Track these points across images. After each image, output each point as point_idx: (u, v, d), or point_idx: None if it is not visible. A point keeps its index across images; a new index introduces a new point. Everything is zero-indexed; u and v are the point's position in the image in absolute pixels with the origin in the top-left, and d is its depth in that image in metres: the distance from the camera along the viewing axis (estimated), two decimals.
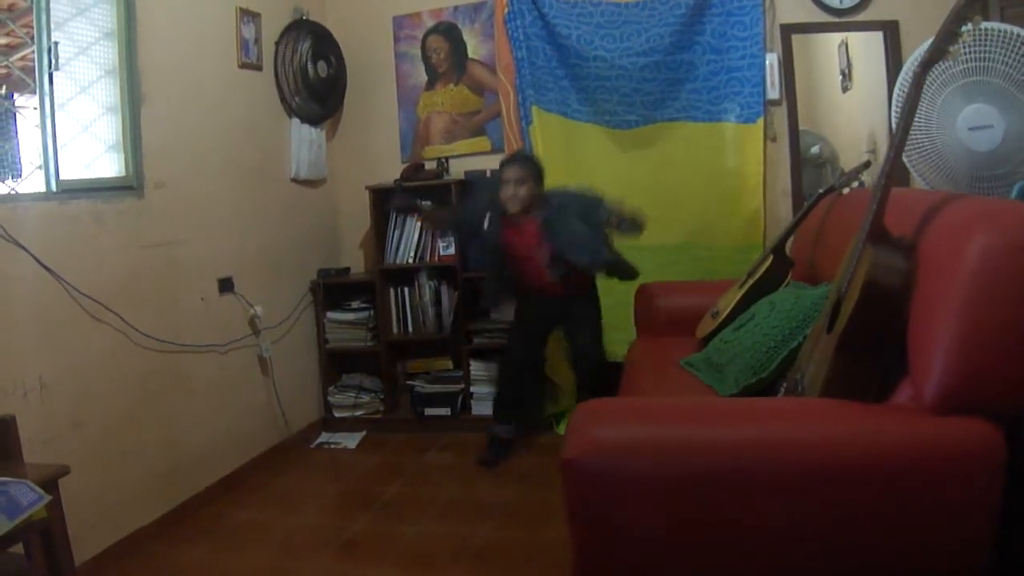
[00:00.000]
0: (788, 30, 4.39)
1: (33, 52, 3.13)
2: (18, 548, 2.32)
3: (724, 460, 1.85)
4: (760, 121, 4.40)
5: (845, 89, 4.47)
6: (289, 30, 4.66)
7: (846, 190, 3.19)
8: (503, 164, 4.07)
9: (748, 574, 1.91)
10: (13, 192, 3.05)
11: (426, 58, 5.06)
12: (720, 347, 3.04)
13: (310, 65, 4.69)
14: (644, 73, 4.49)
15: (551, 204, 3.96)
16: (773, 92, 4.42)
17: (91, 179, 3.37)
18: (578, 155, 4.66)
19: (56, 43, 3.16)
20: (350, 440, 4.72)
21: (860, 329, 1.95)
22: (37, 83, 3.13)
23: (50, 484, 2.24)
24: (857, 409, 1.93)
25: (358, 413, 4.89)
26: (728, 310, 3.28)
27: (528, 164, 4.01)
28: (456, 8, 4.96)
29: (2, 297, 2.89)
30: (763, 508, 1.83)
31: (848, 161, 4.30)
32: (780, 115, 4.46)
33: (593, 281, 4.19)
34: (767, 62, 4.38)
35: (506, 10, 4.65)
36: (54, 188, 3.16)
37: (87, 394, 3.22)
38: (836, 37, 4.41)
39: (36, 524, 2.21)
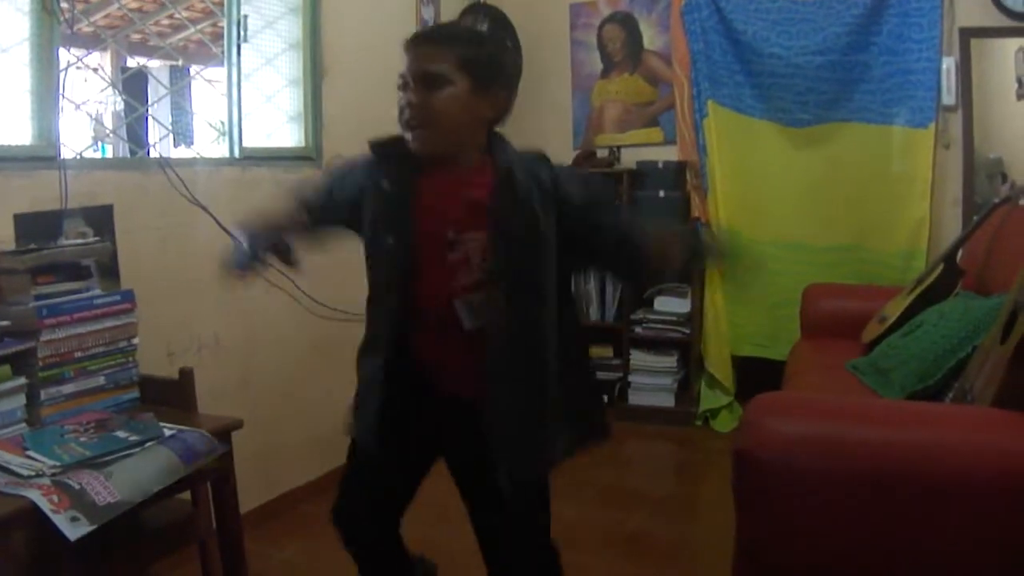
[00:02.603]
0: (967, 34, 4.15)
1: (221, 25, 3.27)
2: (186, 495, 2.42)
3: (894, 461, 1.79)
4: (931, 127, 4.20)
5: (1020, 97, 4.18)
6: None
7: (1023, 201, 3.08)
8: (404, 43, 1.87)
9: None
10: (198, 156, 3.20)
11: (602, 47, 5.03)
12: (887, 352, 3.02)
13: None
14: (819, 72, 4.37)
15: (519, 156, 1.90)
16: (949, 98, 4.20)
17: (272, 148, 3.51)
18: (751, 151, 4.57)
19: (246, 16, 3.29)
20: None
21: None
22: (225, 54, 3.27)
23: (223, 436, 2.32)
24: None
25: None
26: (896, 316, 3.23)
27: (459, 45, 1.85)
28: None
29: (183, 256, 3.04)
30: (931, 512, 1.76)
31: (1021, 172, 4.11)
32: (955, 122, 4.24)
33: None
34: (944, 66, 4.17)
35: (683, 2, 4.58)
36: (237, 155, 3.30)
37: (257, 354, 3.35)
38: (1012, 42, 4.14)
39: (208, 473, 2.30)
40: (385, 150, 1.93)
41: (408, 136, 1.84)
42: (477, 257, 1.83)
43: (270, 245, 1.92)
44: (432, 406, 1.95)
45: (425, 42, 1.86)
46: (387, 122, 4.01)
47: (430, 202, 1.87)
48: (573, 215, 1.84)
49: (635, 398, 4.71)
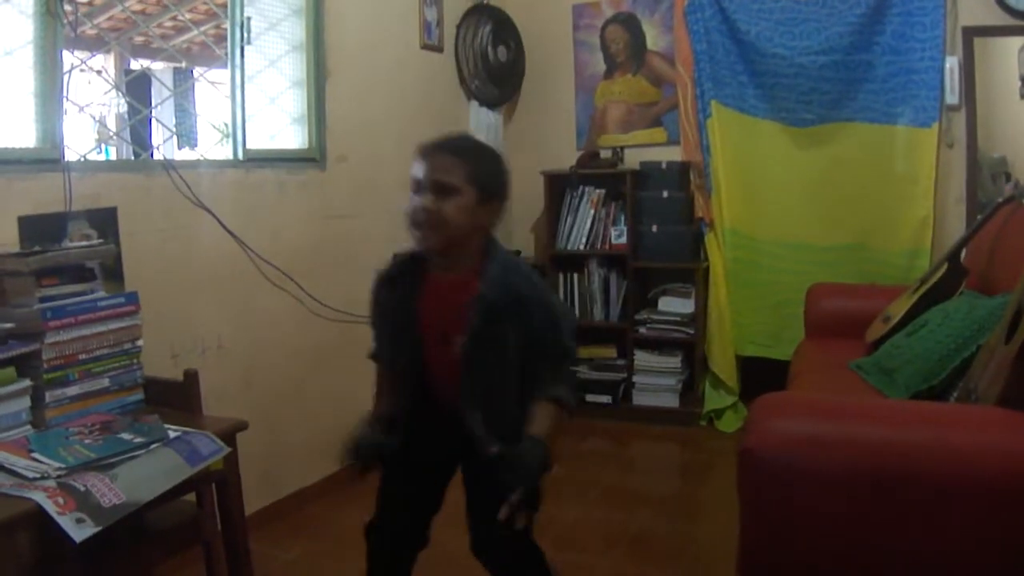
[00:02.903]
0: (970, 33, 4.15)
1: (224, 26, 3.28)
2: (191, 497, 2.42)
3: (899, 461, 1.80)
4: (935, 126, 4.20)
5: (1023, 96, 4.18)
6: (470, 14, 4.73)
7: None
8: (419, 148, 2.09)
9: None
10: (202, 158, 3.20)
11: (605, 47, 5.03)
12: (891, 352, 3.01)
13: (490, 49, 4.75)
14: (823, 72, 4.37)
15: (505, 269, 2.09)
16: (952, 97, 4.20)
17: (276, 150, 3.51)
18: (754, 151, 4.57)
19: (249, 18, 3.29)
20: None
21: None
22: (229, 55, 3.27)
23: (228, 437, 2.31)
24: None
25: None
26: (900, 316, 3.24)
27: (468, 157, 2.06)
28: None
29: (188, 257, 3.05)
30: (936, 512, 1.76)
31: None
32: (958, 121, 4.24)
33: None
34: (947, 66, 4.16)
35: (686, 3, 4.58)
36: (240, 156, 3.30)
37: (261, 356, 3.36)
38: (1015, 42, 4.14)
39: (213, 474, 2.30)
40: (397, 264, 2.19)
41: (415, 235, 2.04)
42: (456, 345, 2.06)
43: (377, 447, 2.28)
44: (450, 432, 2.15)
45: (441, 153, 2.04)
46: (389, 123, 4.05)
47: (432, 304, 2.12)
48: (531, 339, 2.05)
49: (639, 399, 4.71)
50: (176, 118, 3.97)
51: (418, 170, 2.04)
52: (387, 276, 2.21)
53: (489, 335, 2.04)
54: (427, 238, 2.02)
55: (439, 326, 2.10)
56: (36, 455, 1.99)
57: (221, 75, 3.36)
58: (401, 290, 2.16)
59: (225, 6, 3.24)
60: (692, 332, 4.60)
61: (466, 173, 2.01)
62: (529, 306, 2.06)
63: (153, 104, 3.43)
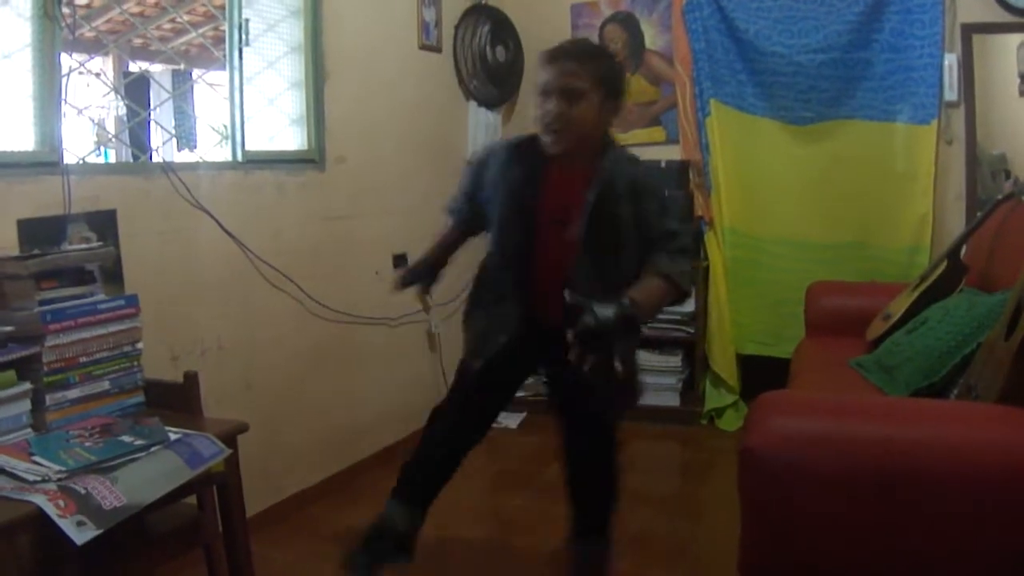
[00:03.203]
0: (969, 30, 4.15)
1: (223, 28, 3.28)
2: (191, 499, 2.42)
3: (900, 458, 1.80)
4: (934, 123, 4.21)
5: (1023, 93, 4.18)
6: (469, 14, 4.72)
7: None
8: (544, 58, 2.30)
9: (914, 575, 1.84)
10: (200, 160, 3.20)
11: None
12: (891, 349, 3.02)
13: (488, 49, 4.75)
14: (821, 70, 4.37)
15: (621, 160, 2.32)
16: (951, 94, 4.21)
17: (275, 151, 3.51)
18: (754, 149, 4.58)
19: (247, 20, 3.29)
20: (511, 420, 4.73)
21: None
22: (227, 57, 3.27)
23: (229, 439, 2.31)
24: None
25: (521, 394, 4.86)
26: (900, 313, 3.24)
27: (594, 60, 2.25)
28: None
29: (187, 260, 3.05)
30: (937, 509, 1.77)
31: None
32: (957, 118, 4.24)
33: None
34: (946, 63, 4.17)
35: (684, 2, 4.58)
36: (239, 158, 3.30)
37: (261, 357, 3.36)
38: (1014, 38, 4.14)
39: (214, 477, 2.29)
40: (520, 147, 2.35)
41: (546, 138, 2.24)
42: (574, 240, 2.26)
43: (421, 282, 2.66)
44: (539, 337, 2.36)
45: (568, 58, 2.22)
46: (388, 124, 4.06)
47: (552, 191, 2.30)
48: (641, 226, 2.27)
49: (643, 397, 4.69)
50: (175, 120, 3.97)
51: (546, 76, 2.22)
52: (514, 149, 2.34)
53: (605, 215, 2.22)
54: (559, 140, 2.22)
55: (557, 212, 2.28)
56: (37, 458, 2.00)
57: (220, 77, 3.36)
58: (524, 171, 2.30)
59: (223, 8, 3.24)
60: (692, 331, 4.60)
61: (593, 76, 2.19)
62: (642, 191, 2.27)
63: (152, 106, 3.43)
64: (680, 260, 2.32)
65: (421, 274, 2.72)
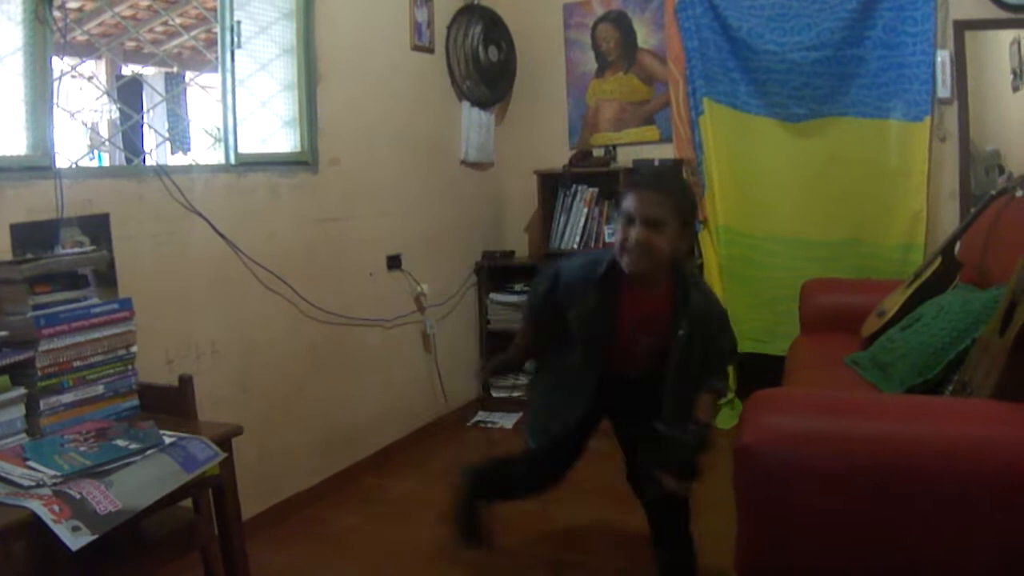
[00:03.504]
0: (961, 26, 4.15)
1: (215, 31, 3.27)
2: (187, 503, 2.42)
3: (895, 455, 1.81)
4: (927, 120, 4.21)
5: (1016, 89, 4.18)
6: (461, 14, 4.73)
7: (1019, 192, 3.08)
8: (628, 186, 2.47)
9: (910, 572, 1.85)
10: (194, 163, 3.20)
11: (596, 46, 5.03)
12: (886, 346, 3.02)
13: (481, 49, 4.74)
14: (815, 68, 4.37)
15: (698, 291, 2.51)
16: (944, 91, 4.20)
17: (268, 153, 3.51)
18: (747, 147, 4.57)
19: (239, 22, 3.29)
20: (506, 420, 4.73)
21: None
22: (219, 60, 3.26)
23: (224, 442, 2.31)
24: None
25: (516, 394, 4.89)
26: (895, 310, 3.24)
27: (675, 196, 2.41)
28: None
29: (181, 263, 3.04)
30: (932, 505, 1.78)
31: (1018, 164, 4.08)
32: (950, 115, 4.24)
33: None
34: (939, 59, 4.16)
35: (676, 0, 4.58)
36: (232, 161, 3.30)
37: (256, 360, 3.35)
38: (1007, 35, 4.13)
39: (209, 480, 2.29)
40: (599, 272, 2.48)
41: (625, 260, 2.39)
42: (649, 348, 2.51)
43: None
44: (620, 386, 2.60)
45: (652, 190, 2.38)
46: (381, 125, 4.06)
47: (627, 309, 2.49)
48: (708, 348, 2.49)
49: None
50: (168, 123, 3.97)
51: (631, 205, 2.36)
52: (599, 278, 2.48)
53: (687, 341, 2.43)
54: (637, 263, 2.37)
55: (632, 327, 2.50)
56: (31, 463, 1.99)
57: (212, 79, 3.36)
58: (605, 293, 2.48)
59: (215, 10, 3.24)
60: None
61: (673, 208, 2.35)
62: (713, 319, 2.50)
63: (145, 109, 3.43)
64: (726, 373, 2.69)
65: (508, 370, 3.14)
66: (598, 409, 2.68)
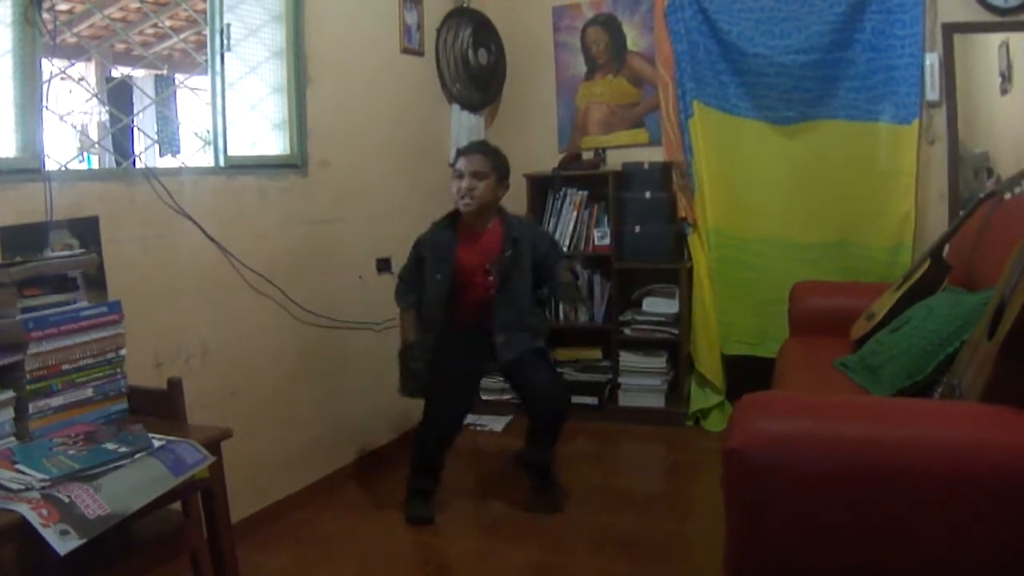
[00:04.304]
0: (950, 29, 4.17)
1: (205, 33, 3.27)
2: (176, 506, 2.41)
3: (884, 458, 1.80)
4: (916, 122, 4.23)
5: (1004, 92, 4.20)
6: (450, 17, 4.73)
7: (1008, 195, 3.09)
8: (459, 152, 3.51)
9: (899, 574, 1.85)
10: (183, 166, 3.19)
11: (585, 49, 5.04)
12: (875, 349, 3.02)
13: (471, 52, 4.75)
14: (804, 71, 4.39)
15: (513, 219, 3.51)
16: (933, 93, 4.23)
17: (257, 156, 3.50)
18: (736, 150, 4.59)
19: (228, 25, 3.29)
20: (496, 423, 4.75)
21: None
22: (209, 62, 3.26)
23: (213, 446, 2.30)
24: (1020, 416, 1.82)
25: (505, 397, 4.89)
26: (884, 312, 3.25)
27: (491, 156, 3.41)
28: (616, 0, 4.92)
29: (170, 265, 3.04)
30: (920, 509, 1.78)
31: (1007, 166, 4.10)
32: (939, 117, 4.27)
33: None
34: (927, 62, 4.19)
35: (666, 3, 4.59)
36: (222, 163, 3.30)
37: (245, 363, 3.35)
38: (995, 38, 4.16)
39: (198, 483, 2.28)
40: (443, 222, 3.50)
41: (461, 204, 3.37)
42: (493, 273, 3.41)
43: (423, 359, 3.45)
44: (479, 339, 3.46)
45: (475, 151, 3.43)
46: (371, 128, 4.06)
47: (465, 246, 3.42)
48: (538, 257, 3.50)
49: (625, 399, 4.72)
50: (158, 125, 3.96)
51: (461, 164, 3.38)
52: (443, 225, 3.48)
53: (515, 258, 3.40)
54: (468, 206, 3.36)
55: (474, 259, 3.39)
56: (20, 466, 1.98)
57: (202, 82, 3.35)
58: (448, 234, 3.43)
59: (205, 13, 3.24)
60: (677, 332, 4.62)
61: (490, 164, 3.38)
62: (538, 236, 3.61)
63: (134, 112, 3.42)
64: (567, 257, 3.81)
65: (415, 368, 3.48)
66: (475, 358, 3.53)
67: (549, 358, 3.65)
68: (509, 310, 3.43)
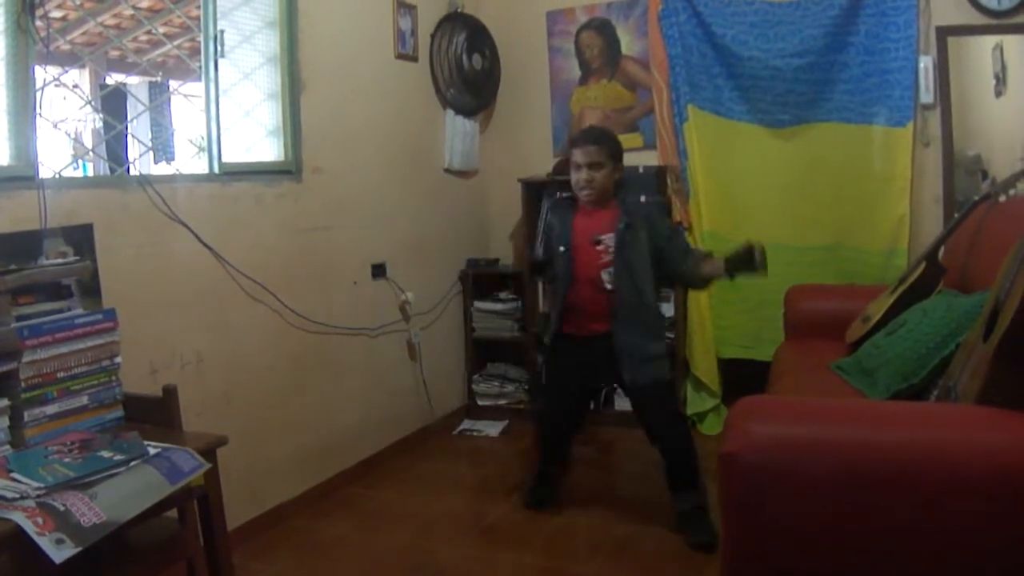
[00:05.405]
0: (944, 32, 4.18)
1: (199, 40, 3.27)
2: (172, 513, 2.41)
3: (880, 461, 1.80)
4: (910, 125, 4.24)
5: (999, 94, 4.21)
6: (444, 23, 4.73)
7: (1003, 198, 3.09)
8: (572, 143, 3.55)
9: None
10: (177, 172, 3.19)
11: (579, 53, 5.04)
12: (871, 352, 3.02)
13: (465, 57, 4.76)
14: (798, 74, 4.40)
15: (630, 199, 3.50)
16: (927, 96, 4.23)
17: (251, 162, 3.50)
18: (731, 153, 4.60)
19: (222, 31, 3.28)
20: (492, 428, 4.74)
21: (1020, 338, 1.86)
22: (203, 69, 3.26)
23: (208, 453, 2.30)
24: (1015, 418, 1.82)
25: (501, 402, 4.91)
26: (879, 315, 3.24)
27: (605, 144, 3.38)
28: (610, 4, 4.92)
29: (165, 273, 3.03)
30: (916, 511, 1.78)
31: (1001, 169, 4.09)
32: (933, 120, 4.27)
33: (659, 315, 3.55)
34: (921, 65, 4.20)
35: (660, 7, 4.60)
36: (216, 170, 3.30)
37: (241, 370, 3.35)
38: (989, 40, 4.17)
39: (194, 491, 2.29)
40: (561, 203, 3.58)
41: (582, 195, 3.42)
42: (609, 255, 3.35)
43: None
44: (595, 343, 3.41)
45: (589, 142, 3.39)
46: (365, 134, 4.06)
47: (583, 226, 3.42)
48: (659, 241, 3.39)
49: (621, 403, 4.70)
50: (152, 132, 3.95)
51: (576, 156, 3.39)
52: (564, 209, 3.51)
53: (632, 236, 3.33)
54: (589, 196, 3.40)
55: (590, 234, 3.38)
56: (15, 475, 1.98)
57: (196, 89, 3.35)
58: (565, 217, 3.48)
59: (199, 20, 3.23)
60: (673, 336, 4.61)
61: (605, 152, 3.37)
62: (653, 211, 3.52)
63: (129, 119, 3.42)
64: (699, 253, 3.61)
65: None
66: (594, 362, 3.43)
67: (671, 392, 3.65)
68: (630, 297, 3.32)
